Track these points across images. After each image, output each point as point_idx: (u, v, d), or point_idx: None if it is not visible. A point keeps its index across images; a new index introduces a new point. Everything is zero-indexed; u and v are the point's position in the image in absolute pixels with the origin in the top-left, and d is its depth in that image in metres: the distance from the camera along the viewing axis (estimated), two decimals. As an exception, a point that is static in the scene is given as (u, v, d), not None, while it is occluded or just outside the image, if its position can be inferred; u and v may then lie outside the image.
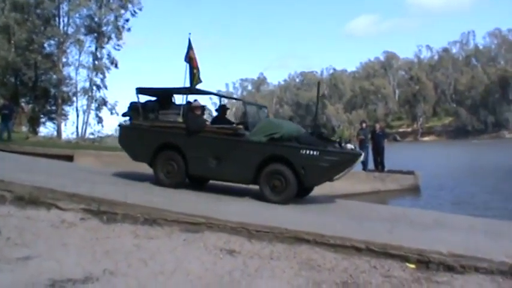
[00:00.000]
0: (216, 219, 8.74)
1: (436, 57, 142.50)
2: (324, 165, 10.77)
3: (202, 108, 12.49)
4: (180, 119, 12.28)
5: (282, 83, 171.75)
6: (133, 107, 12.77)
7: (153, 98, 13.13)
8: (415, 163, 33.57)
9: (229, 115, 14.07)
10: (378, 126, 24.18)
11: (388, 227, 9.32)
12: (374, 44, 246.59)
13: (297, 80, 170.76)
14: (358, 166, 21.88)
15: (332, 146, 11.24)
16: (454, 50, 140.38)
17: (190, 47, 13.36)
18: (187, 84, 13.36)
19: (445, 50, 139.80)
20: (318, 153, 10.79)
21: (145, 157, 12.45)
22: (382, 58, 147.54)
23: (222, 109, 13.41)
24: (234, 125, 12.42)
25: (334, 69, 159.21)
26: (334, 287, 6.39)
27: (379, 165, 23.16)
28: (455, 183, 24.76)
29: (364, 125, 24.66)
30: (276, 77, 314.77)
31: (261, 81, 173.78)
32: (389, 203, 18.85)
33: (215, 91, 16.76)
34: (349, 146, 11.54)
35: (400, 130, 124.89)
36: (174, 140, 12.00)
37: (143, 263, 6.68)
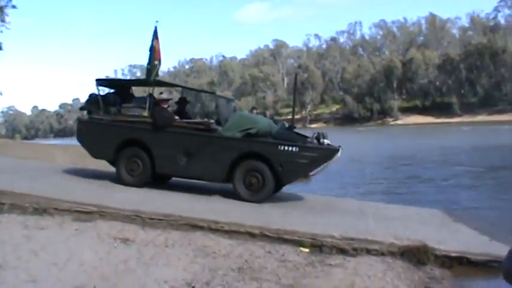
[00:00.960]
0: (109, 208, 8.59)
1: (324, 46, 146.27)
2: (302, 161, 10.26)
3: (169, 101, 11.61)
4: (145, 113, 11.33)
5: (172, 69, 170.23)
6: (92, 100, 11.80)
7: (111, 90, 12.26)
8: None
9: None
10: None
11: (282, 213, 9.55)
12: (264, 33, 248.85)
13: (187, 66, 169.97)
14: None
15: (309, 142, 10.65)
16: (341, 40, 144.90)
17: (155, 37, 12.22)
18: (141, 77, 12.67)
19: (333, 40, 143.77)
20: (297, 149, 10.25)
21: (106, 154, 11.57)
22: (271, 46, 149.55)
23: (182, 102, 12.68)
24: (197, 119, 11.86)
25: (224, 56, 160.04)
26: (230, 272, 6.46)
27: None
28: (343, 168, 25.60)
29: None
30: (165, 64, 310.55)
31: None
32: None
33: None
34: (326, 141, 10.75)
35: (289, 117, 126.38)
36: (139, 136, 11.11)
37: (34, 255, 6.45)
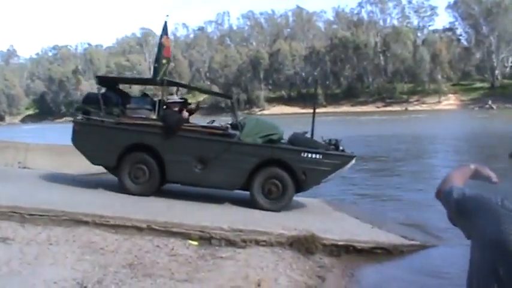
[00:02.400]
0: (-19, 204, 7.98)
1: (192, 35, 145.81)
2: (325, 169, 9.79)
3: (180, 104, 10.67)
4: (153, 116, 10.41)
5: (34, 56, 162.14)
6: (91, 99, 10.58)
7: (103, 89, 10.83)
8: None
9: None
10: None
11: (168, 205, 9.33)
12: (132, 21, 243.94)
13: (50, 54, 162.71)
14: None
15: (329, 148, 10.15)
16: (209, 30, 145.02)
17: (165, 33, 11.39)
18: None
19: (201, 29, 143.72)
20: (320, 156, 9.76)
21: (108, 160, 10.25)
22: (138, 34, 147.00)
23: (183, 103, 11.27)
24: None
25: (89, 44, 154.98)
26: (122, 269, 6.20)
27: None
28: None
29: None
30: (27, 50, 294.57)
31: (10, 54, 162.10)
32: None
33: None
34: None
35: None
36: (148, 141, 10.04)
37: None
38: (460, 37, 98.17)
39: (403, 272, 7.73)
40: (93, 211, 8.06)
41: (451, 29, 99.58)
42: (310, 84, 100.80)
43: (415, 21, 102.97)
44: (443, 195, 2.31)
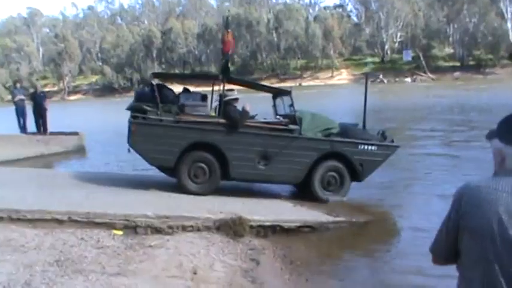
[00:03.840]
0: None
1: (81, 15, 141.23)
2: (379, 159, 10.19)
3: (238, 100, 10.27)
4: (212, 113, 10.29)
5: None
6: (146, 97, 10.07)
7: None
8: (76, 123, 32.83)
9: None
10: (38, 86, 22.90)
11: (85, 194, 8.90)
12: (17, 1, 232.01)
13: None
14: (17, 130, 20.64)
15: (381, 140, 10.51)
16: (99, 9, 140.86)
17: (226, 28, 11.38)
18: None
19: (90, 8, 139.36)
20: (375, 148, 10.12)
21: (168, 160, 9.79)
22: (25, 15, 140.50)
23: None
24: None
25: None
26: (49, 267, 5.84)
27: (41, 127, 22.01)
28: (117, 142, 24.84)
29: (18, 85, 23.26)
30: None
31: None
32: (57, 166, 18.15)
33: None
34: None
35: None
36: (211, 138, 9.81)
37: None
38: (351, 13, 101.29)
39: (333, 250, 7.83)
40: (7, 206, 7.55)
41: (341, 6, 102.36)
42: (203, 62, 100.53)
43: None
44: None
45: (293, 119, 10.20)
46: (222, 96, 10.22)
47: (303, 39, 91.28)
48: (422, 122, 24.64)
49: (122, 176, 10.27)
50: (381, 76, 78.31)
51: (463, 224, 2.30)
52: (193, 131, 9.86)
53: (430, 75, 76.44)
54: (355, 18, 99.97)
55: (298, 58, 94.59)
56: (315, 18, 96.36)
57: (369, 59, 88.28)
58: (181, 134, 9.85)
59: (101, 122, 35.56)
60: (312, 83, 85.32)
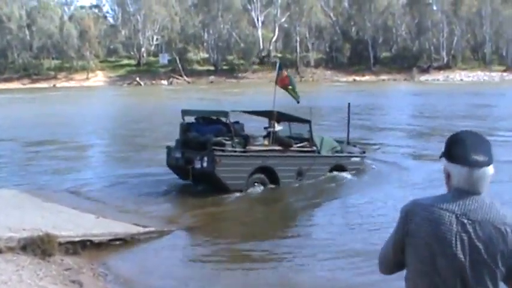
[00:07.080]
0: None
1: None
2: (362, 167, 14.24)
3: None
4: (266, 142, 12.54)
5: None
6: (221, 132, 12.07)
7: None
8: None
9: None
10: None
11: None
12: None
13: None
14: None
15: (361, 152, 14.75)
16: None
17: (280, 70, 13.25)
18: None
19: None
20: (361, 159, 14.34)
21: (241, 184, 11.83)
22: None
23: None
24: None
25: None
26: None
27: None
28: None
29: None
30: None
31: None
32: None
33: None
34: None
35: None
36: (270, 163, 12.23)
37: None
38: (107, 14, 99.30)
39: (153, 260, 7.53)
40: None
41: (98, 6, 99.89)
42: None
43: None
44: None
45: (311, 142, 12.92)
46: (273, 127, 12.52)
47: (57, 39, 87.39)
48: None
49: None
50: (137, 79, 78.09)
51: (408, 241, 2.35)
52: (258, 158, 12.17)
53: (186, 79, 78.10)
54: (111, 20, 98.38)
55: (53, 58, 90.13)
56: (71, 17, 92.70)
57: (125, 61, 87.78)
58: (250, 161, 12.06)
59: None
60: (67, 84, 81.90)
